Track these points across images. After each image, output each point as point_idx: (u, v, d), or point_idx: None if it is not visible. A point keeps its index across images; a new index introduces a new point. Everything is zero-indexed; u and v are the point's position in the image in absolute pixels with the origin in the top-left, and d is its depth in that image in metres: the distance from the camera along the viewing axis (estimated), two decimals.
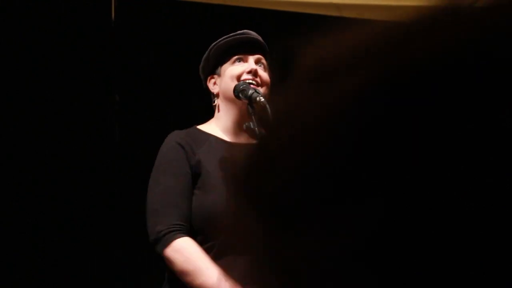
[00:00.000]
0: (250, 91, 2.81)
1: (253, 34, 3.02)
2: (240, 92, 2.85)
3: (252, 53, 2.97)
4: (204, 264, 2.64)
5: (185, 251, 2.68)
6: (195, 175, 2.78)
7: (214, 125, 2.98)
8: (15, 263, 4.22)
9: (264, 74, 2.96)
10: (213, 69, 3.00)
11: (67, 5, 4.51)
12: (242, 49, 2.97)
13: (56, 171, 4.33)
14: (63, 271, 4.30)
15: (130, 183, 4.24)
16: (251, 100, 2.80)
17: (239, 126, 2.93)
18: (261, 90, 2.88)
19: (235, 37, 2.98)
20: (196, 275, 2.65)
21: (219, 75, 2.98)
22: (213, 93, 3.01)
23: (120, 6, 4.63)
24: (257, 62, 2.97)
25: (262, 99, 2.77)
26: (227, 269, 2.57)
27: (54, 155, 4.35)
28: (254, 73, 2.92)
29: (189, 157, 2.80)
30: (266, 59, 3.01)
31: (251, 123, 2.76)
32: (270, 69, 3.02)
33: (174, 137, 2.87)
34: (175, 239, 2.70)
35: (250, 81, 2.90)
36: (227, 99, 2.95)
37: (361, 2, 5.06)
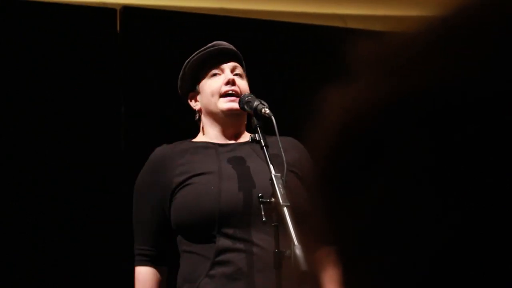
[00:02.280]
0: (256, 103, 2.81)
1: (225, 44, 3.01)
2: (245, 104, 2.84)
3: (226, 63, 2.96)
4: None
5: (137, 280, 2.90)
6: (176, 183, 2.84)
7: (202, 136, 3.01)
8: (15, 264, 4.22)
9: (242, 82, 2.95)
10: (191, 87, 3.00)
11: (73, 18, 4.52)
12: (216, 62, 2.96)
13: (61, 181, 4.33)
14: (64, 276, 4.30)
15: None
16: (256, 112, 2.79)
17: (224, 137, 2.96)
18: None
19: (206, 50, 2.97)
20: None
21: (198, 92, 2.99)
22: (195, 110, 3.02)
23: (125, 18, 4.64)
24: (233, 70, 2.96)
25: (268, 111, 2.76)
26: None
27: (60, 165, 4.35)
28: (232, 82, 2.91)
29: (160, 175, 2.87)
30: (242, 67, 3.01)
31: (256, 134, 2.76)
32: (247, 75, 3.02)
33: (152, 156, 2.96)
34: (136, 265, 2.91)
35: (230, 92, 2.90)
36: (210, 114, 2.96)
37: (366, 13, 5.06)
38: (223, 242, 2.74)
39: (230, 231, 2.73)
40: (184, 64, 2.99)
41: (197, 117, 3.03)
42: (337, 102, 0.60)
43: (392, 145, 0.56)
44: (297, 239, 2.40)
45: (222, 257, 2.73)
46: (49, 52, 4.42)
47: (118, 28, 4.63)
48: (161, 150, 2.95)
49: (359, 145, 0.58)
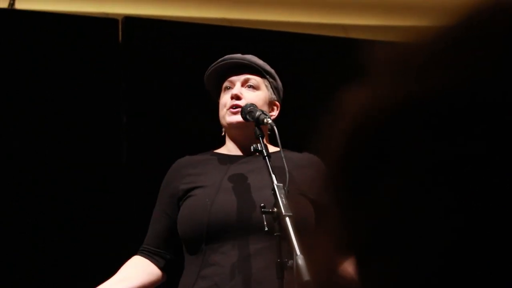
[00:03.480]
0: (258, 113, 2.80)
1: (237, 56, 2.98)
2: (247, 114, 2.83)
3: (238, 75, 2.96)
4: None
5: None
6: (182, 192, 2.87)
7: (223, 148, 3.01)
8: (15, 264, 4.22)
9: (251, 95, 2.92)
10: (217, 99, 3.02)
11: (75, 28, 4.53)
12: (228, 75, 2.96)
13: (62, 193, 4.34)
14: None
15: (136, 205, 4.24)
16: (258, 122, 2.79)
17: (240, 149, 2.96)
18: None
19: (216, 65, 2.96)
20: None
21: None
22: None
23: (127, 28, 4.65)
24: (244, 83, 2.95)
25: (270, 120, 2.75)
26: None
27: (61, 176, 4.35)
28: (235, 97, 2.90)
29: (172, 182, 2.92)
30: (261, 76, 2.99)
31: (258, 144, 2.75)
32: (269, 84, 2.99)
33: (173, 164, 3.00)
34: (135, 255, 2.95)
35: (234, 106, 2.88)
36: (223, 127, 2.97)
37: (367, 23, 5.07)
38: (209, 256, 2.75)
39: (217, 245, 2.74)
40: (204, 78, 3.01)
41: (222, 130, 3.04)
42: (347, 105, 0.60)
43: (400, 147, 0.56)
44: (299, 249, 2.39)
45: (204, 271, 2.75)
46: (52, 61, 4.43)
47: (120, 38, 4.64)
48: (180, 161, 3.00)
49: (368, 148, 0.58)
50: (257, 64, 2.98)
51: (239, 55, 2.99)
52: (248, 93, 2.92)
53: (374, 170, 0.57)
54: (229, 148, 2.98)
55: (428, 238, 0.54)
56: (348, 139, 0.59)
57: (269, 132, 2.85)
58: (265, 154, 2.70)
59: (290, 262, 2.50)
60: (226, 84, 2.96)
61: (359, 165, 0.58)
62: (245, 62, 2.97)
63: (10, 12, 4.51)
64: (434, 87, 0.56)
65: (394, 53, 0.60)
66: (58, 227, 4.31)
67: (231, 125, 2.90)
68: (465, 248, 0.53)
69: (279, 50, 4.71)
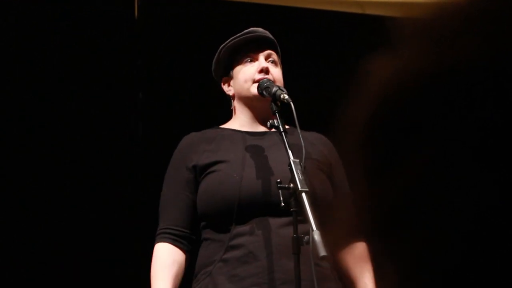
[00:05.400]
0: (274, 89, 2.81)
1: (261, 31, 3.01)
2: (264, 89, 2.85)
3: (262, 50, 2.97)
4: (157, 276, 2.79)
5: (154, 257, 2.84)
6: (202, 167, 2.85)
7: (232, 123, 3.01)
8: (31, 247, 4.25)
9: (275, 70, 2.95)
10: (226, 71, 3.01)
11: (91, 4, 4.53)
12: (251, 48, 2.97)
13: (78, 169, 4.36)
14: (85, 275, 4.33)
15: (152, 181, 4.25)
16: (275, 98, 2.79)
17: (255, 123, 2.97)
18: None
19: (242, 36, 2.97)
20: (152, 281, 2.81)
21: (232, 77, 3.00)
22: (228, 95, 3.02)
23: (143, 4, 4.65)
24: (267, 58, 2.96)
25: (287, 97, 2.76)
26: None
27: (76, 152, 4.37)
28: (265, 71, 2.91)
29: (188, 159, 2.89)
30: (277, 54, 3.01)
31: (275, 120, 2.76)
32: (281, 63, 3.02)
33: (181, 143, 2.98)
34: (157, 242, 2.86)
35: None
36: (242, 100, 2.97)
37: (383, 0, 5.04)
38: (239, 227, 2.75)
39: (247, 217, 2.75)
40: (219, 49, 3.00)
41: (230, 104, 3.03)
42: (377, 75, 0.60)
43: (431, 117, 0.55)
44: (315, 225, 2.40)
45: (235, 241, 2.75)
46: (67, 38, 4.44)
47: (136, 14, 4.64)
48: (189, 138, 2.98)
49: (398, 118, 0.57)
50: (274, 42, 3.00)
51: (261, 29, 3.01)
52: (272, 69, 2.94)
53: (404, 140, 0.57)
54: (242, 123, 2.98)
55: (459, 212, 0.53)
56: (377, 109, 0.59)
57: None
58: (282, 130, 2.71)
59: (306, 237, 2.50)
60: (249, 57, 2.96)
61: (388, 135, 0.58)
62: (268, 37, 2.99)
63: None
64: (463, 57, 0.55)
65: (421, 26, 0.60)
66: (76, 199, 4.33)
67: (256, 97, 2.90)
68: (497, 224, 0.52)
69: (294, 26, 4.70)
